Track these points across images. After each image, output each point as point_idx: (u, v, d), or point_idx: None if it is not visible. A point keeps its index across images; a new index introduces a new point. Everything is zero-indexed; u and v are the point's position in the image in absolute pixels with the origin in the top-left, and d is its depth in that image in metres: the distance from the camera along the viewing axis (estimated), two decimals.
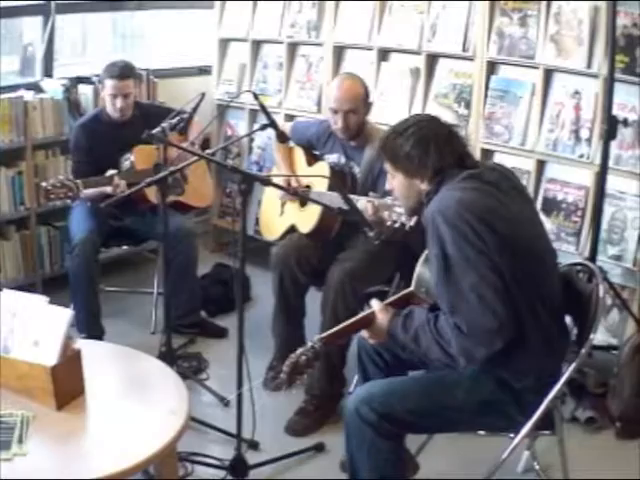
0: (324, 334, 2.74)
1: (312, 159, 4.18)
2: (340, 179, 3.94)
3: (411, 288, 2.83)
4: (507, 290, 2.47)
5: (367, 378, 2.99)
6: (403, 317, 2.65)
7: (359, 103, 3.89)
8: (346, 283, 3.70)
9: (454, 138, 2.70)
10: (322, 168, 4.04)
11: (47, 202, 4.02)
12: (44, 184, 3.94)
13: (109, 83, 4.34)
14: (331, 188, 3.87)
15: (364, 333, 2.77)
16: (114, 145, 4.35)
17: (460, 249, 2.45)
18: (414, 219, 3.12)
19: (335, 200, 3.48)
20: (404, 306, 2.77)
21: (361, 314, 2.78)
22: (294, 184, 4.11)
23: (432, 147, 2.62)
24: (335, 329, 2.77)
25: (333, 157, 4.07)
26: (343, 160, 4.03)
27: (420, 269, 2.82)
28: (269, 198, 4.41)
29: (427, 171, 2.63)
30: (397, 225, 3.21)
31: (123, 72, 4.34)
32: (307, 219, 4.02)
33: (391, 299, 2.85)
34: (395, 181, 2.74)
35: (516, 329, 2.48)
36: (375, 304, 2.75)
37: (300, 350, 2.69)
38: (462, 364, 2.54)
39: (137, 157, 4.31)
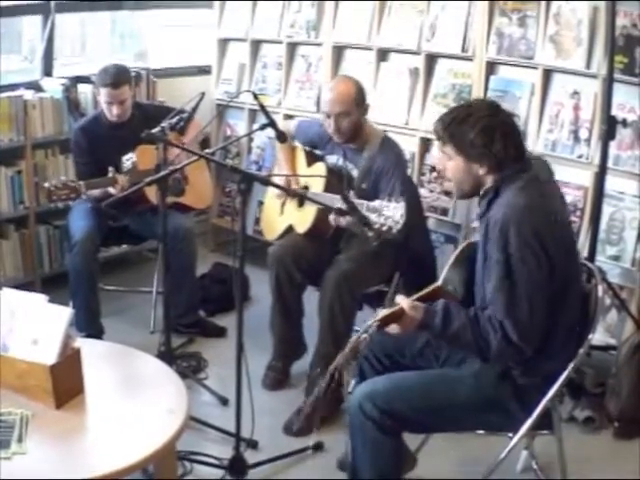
0: (378, 317, 2.65)
1: (312, 160, 4.18)
2: (337, 180, 3.93)
3: (439, 283, 2.79)
4: (554, 295, 2.57)
5: (364, 378, 2.98)
6: (442, 317, 2.60)
7: (350, 106, 3.85)
8: (342, 285, 3.71)
9: (515, 129, 2.69)
10: (319, 169, 4.03)
11: (49, 203, 4.00)
12: (46, 184, 3.94)
13: (103, 91, 4.31)
14: (327, 189, 3.87)
15: (392, 328, 2.69)
16: (114, 146, 4.34)
17: (524, 260, 2.50)
18: (401, 223, 3.11)
19: (334, 201, 3.48)
20: (432, 300, 2.75)
21: (390, 310, 2.67)
22: (294, 184, 4.11)
23: (497, 137, 2.60)
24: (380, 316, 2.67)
25: (332, 158, 4.06)
26: (341, 162, 4.02)
27: (449, 271, 2.79)
28: (270, 198, 4.41)
29: (489, 160, 2.62)
30: (384, 228, 3.21)
31: (117, 80, 4.29)
32: (303, 219, 4.02)
33: (419, 294, 2.79)
34: (452, 163, 2.70)
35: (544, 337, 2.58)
36: (403, 301, 2.67)
37: (362, 334, 2.62)
38: (492, 361, 2.61)
39: (140, 157, 4.29)
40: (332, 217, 3.63)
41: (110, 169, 4.14)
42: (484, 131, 2.60)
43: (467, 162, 2.66)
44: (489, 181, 2.66)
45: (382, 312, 2.69)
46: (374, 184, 3.85)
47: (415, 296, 2.78)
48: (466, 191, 2.76)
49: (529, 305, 2.51)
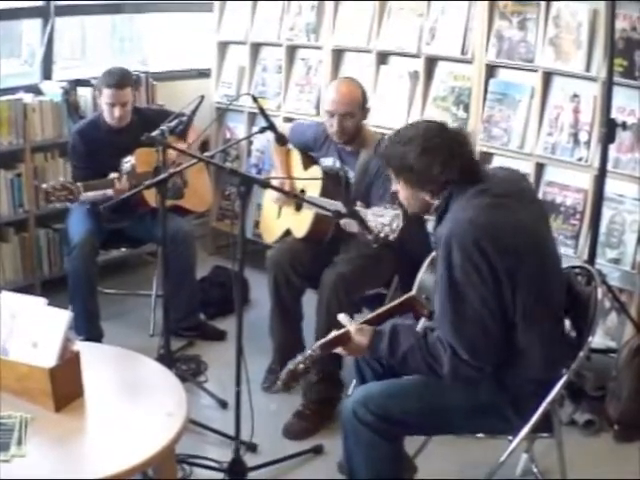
0: (320, 342, 2.72)
1: (308, 163, 4.18)
2: (334, 183, 3.93)
3: (412, 293, 2.81)
4: (507, 309, 2.52)
5: (365, 383, 2.98)
6: (388, 340, 2.62)
7: (356, 107, 3.87)
8: (340, 286, 3.70)
9: (461, 149, 2.64)
10: (316, 172, 4.04)
11: (47, 204, 4.00)
12: (44, 186, 3.94)
13: (107, 92, 4.30)
14: (324, 192, 3.87)
15: (340, 351, 2.73)
16: (113, 150, 4.31)
17: (467, 275, 2.47)
18: (397, 231, 3.11)
19: (333, 204, 3.48)
20: (404, 311, 2.77)
21: (335, 334, 2.72)
22: (287, 187, 4.11)
23: (437, 160, 2.56)
24: (321, 342, 2.74)
25: (328, 161, 4.07)
26: (338, 164, 4.02)
27: (423, 275, 2.81)
28: (268, 201, 4.41)
29: (431, 185, 2.60)
30: (382, 235, 3.22)
31: (121, 81, 4.29)
32: (301, 223, 4.03)
33: (391, 305, 2.83)
34: (399, 187, 2.71)
35: (508, 350, 2.55)
36: (350, 324, 2.69)
37: (298, 358, 2.68)
38: (449, 382, 2.59)
39: (138, 159, 4.27)
40: (343, 222, 3.60)
41: (112, 175, 4.13)
42: (423, 155, 2.56)
43: (410, 188, 2.65)
44: (436, 202, 2.64)
45: (330, 335, 2.72)
46: (367, 186, 3.85)
47: (386, 307, 2.80)
48: (415, 212, 2.77)
49: (477, 322, 2.48)
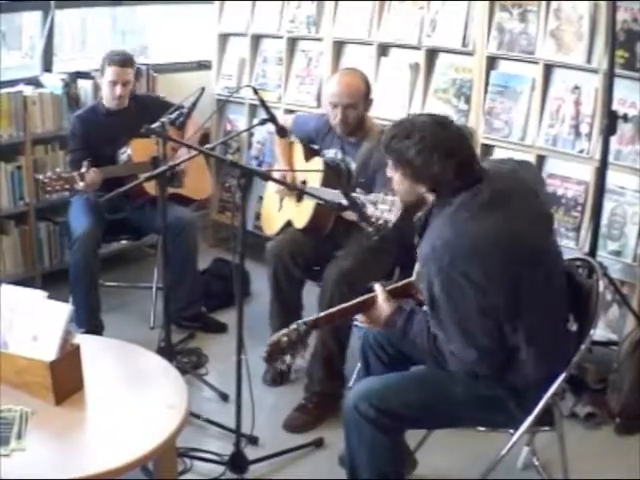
0: (309, 318, 2.75)
1: (310, 154, 4.18)
2: (335, 175, 3.93)
3: (412, 278, 2.82)
4: (499, 317, 2.52)
5: (369, 372, 3.00)
6: (405, 319, 2.67)
7: (359, 98, 3.87)
8: (342, 282, 3.69)
9: (460, 147, 2.60)
10: (317, 164, 4.03)
11: (44, 195, 4.02)
12: (41, 176, 3.97)
13: (110, 70, 4.35)
14: (325, 183, 3.86)
15: (360, 317, 2.79)
16: (110, 135, 4.37)
17: (448, 294, 2.49)
18: (396, 217, 3.10)
19: (334, 196, 3.47)
20: (403, 294, 2.80)
21: (361, 298, 2.77)
22: (289, 179, 4.11)
23: (436, 158, 2.54)
24: (329, 311, 2.80)
25: (330, 152, 4.06)
26: (340, 156, 4.01)
27: (419, 267, 2.80)
28: (270, 193, 4.41)
29: (428, 181, 2.59)
30: (380, 222, 3.20)
31: (125, 60, 4.38)
32: (302, 214, 4.02)
33: (392, 286, 2.85)
34: (395, 176, 2.69)
35: (505, 352, 2.56)
36: (379, 290, 2.75)
37: (283, 331, 2.69)
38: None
39: (134, 150, 4.31)
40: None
41: (84, 163, 4.10)
42: (423, 151, 2.54)
43: (407, 180, 2.63)
44: (431, 199, 2.64)
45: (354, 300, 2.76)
46: (371, 177, 3.84)
47: (389, 287, 2.83)
48: (408, 204, 2.74)
49: (462, 336, 2.51)
